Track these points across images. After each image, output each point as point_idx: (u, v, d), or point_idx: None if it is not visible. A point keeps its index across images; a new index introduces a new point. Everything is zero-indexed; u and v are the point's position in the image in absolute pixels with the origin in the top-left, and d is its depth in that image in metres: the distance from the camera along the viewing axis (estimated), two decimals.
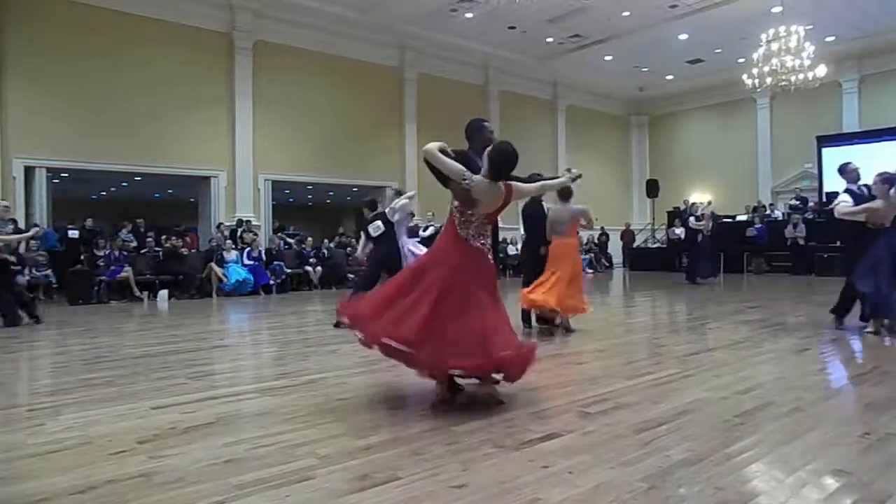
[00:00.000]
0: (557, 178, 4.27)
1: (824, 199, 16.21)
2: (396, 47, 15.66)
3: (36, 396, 4.17)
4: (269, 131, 13.68)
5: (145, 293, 10.88)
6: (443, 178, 3.56)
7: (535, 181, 4.55)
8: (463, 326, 3.30)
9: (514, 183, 3.57)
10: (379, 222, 7.24)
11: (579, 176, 4.42)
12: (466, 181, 3.40)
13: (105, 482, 2.41)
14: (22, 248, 10.27)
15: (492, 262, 3.57)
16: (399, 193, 8.25)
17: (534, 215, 6.61)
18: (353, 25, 14.39)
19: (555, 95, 19.64)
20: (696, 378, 4.15)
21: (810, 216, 15.41)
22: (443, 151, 3.53)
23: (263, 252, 12.37)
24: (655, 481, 2.36)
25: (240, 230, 12.63)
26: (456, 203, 3.49)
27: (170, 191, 21.97)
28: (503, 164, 3.46)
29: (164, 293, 10.90)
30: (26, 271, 9.93)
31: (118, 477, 2.46)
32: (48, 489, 2.35)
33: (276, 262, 12.24)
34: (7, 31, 10.78)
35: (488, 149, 3.54)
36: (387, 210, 7.53)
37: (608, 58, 17.37)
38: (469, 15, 14.13)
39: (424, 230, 12.19)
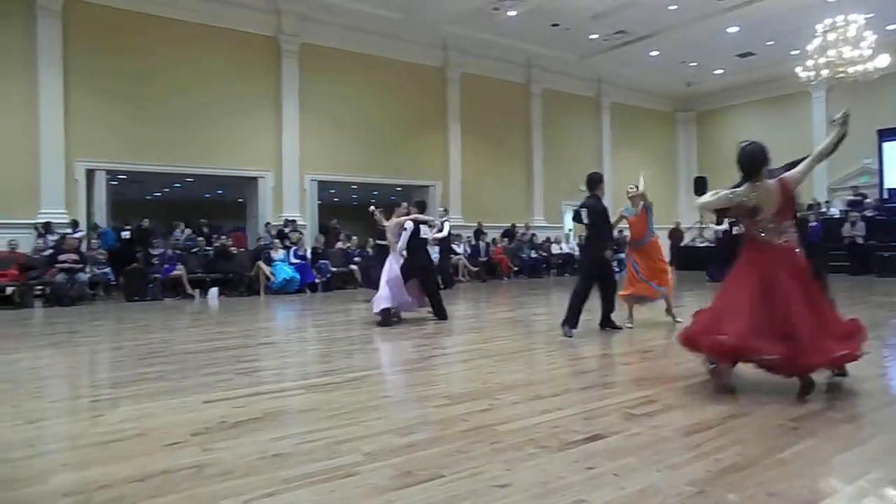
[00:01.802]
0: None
1: (885, 196, 15.47)
2: (439, 47, 15.71)
3: (97, 388, 4.37)
4: (314, 132, 13.93)
5: (196, 291, 11.22)
6: (722, 211, 4.03)
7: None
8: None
9: (785, 174, 3.72)
10: (426, 227, 7.32)
11: (846, 115, 3.95)
12: (735, 198, 3.70)
13: (160, 472, 2.51)
14: (84, 248, 10.78)
15: (799, 256, 3.67)
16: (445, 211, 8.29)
17: (597, 210, 6.23)
18: (396, 27, 14.51)
19: (598, 93, 19.35)
20: (746, 380, 4.01)
21: (870, 214, 14.71)
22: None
23: (309, 251, 12.60)
24: (704, 485, 2.30)
25: (286, 229, 12.90)
26: (747, 219, 3.76)
27: (219, 191, 22.63)
28: (743, 162, 3.71)
29: (214, 291, 11.22)
30: (87, 269, 10.39)
31: (172, 467, 2.56)
32: (109, 476, 2.46)
33: (321, 261, 12.45)
34: (71, 44, 11.29)
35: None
36: (431, 225, 7.59)
37: (654, 53, 17.00)
38: (512, 13, 14.05)
39: (440, 230, 11.12)
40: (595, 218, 6.15)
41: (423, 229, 7.26)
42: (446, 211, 13.59)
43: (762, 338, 3.44)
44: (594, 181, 6.29)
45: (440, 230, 11.28)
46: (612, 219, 6.58)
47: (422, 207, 7.52)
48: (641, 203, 6.59)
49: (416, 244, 7.26)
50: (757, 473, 2.41)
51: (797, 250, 3.68)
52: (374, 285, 9.51)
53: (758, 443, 2.78)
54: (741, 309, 3.56)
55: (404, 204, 7.63)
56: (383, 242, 10.15)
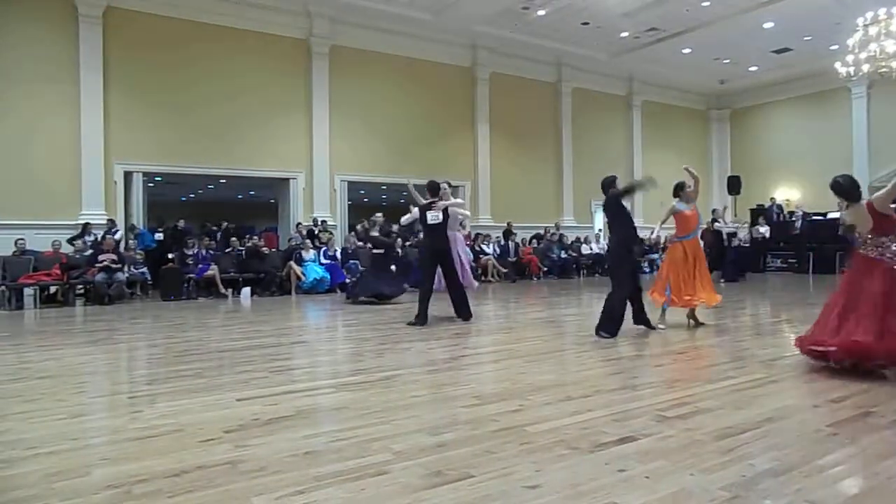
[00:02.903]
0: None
1: None
2: (468, 47, 15.71)
3: (135, 385, 4.50)
4: (344, 133, 14.06)
5: (229, 290, 11.42)
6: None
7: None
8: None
9: (870, 199, 4.19)
10: (439, 213, 7.24)
11: None
12: (841, 217, 4.36)
13: (195, 467, 2.57)
14: (122, 248, 11.08)
15: (891, 268, 4.09)
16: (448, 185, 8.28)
17: (620, 208, 6.26)
18: (425, 28, 14.56)
19: (630, 91, 19.11)
20: (783, 384, 3.93)
21: None
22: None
23: (339, 251, 12.71)
24: (738, 490, 2.26)
25: (317, 230, 13.04)
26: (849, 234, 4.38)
27: (251, 192, 23.02)
28: (845, 190, 4.28)
29: (246, 290, 11.40)
30: (125, 268, 10.66)
31: (207, 463, 2.62)
32: (146, 471, 2.53)
33: (351, 261, 12.55)
34: (110, 50, 11.63)
35: None
36: (450, 205, 7.54)
37: (686, 50, 16.72)
38: (541, 12, 13.97)
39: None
40: (616, 212, 6.14)
41: (430, 215, 7.24)
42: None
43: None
44: (606, 184, 6.32)
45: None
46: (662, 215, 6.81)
47: (433, 189, 7.47)
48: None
49: (430, 228, 7.29)
50: (794, 480, 2.36)
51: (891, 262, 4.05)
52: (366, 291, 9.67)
53: (794, 448, 2.72)
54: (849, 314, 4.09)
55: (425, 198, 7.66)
56: (378, 251, 10.31)
